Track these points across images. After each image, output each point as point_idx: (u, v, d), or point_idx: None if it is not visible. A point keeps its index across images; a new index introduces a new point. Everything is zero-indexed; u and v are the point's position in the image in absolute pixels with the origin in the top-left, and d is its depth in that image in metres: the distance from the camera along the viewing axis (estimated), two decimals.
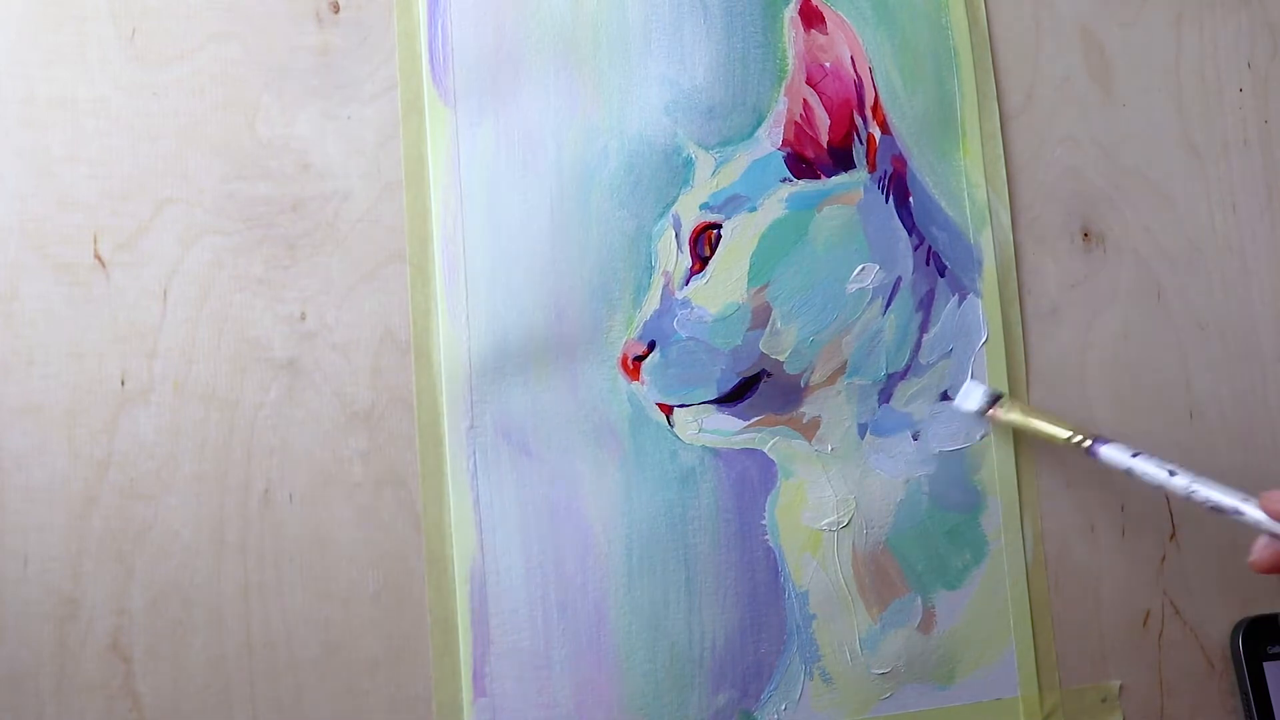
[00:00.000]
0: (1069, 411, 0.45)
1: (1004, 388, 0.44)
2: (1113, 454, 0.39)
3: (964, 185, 0.45)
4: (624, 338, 0.40)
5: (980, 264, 0.44)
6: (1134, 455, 0.38)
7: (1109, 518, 0.45)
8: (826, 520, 0.41)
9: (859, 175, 0.43)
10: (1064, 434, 0.40)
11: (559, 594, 0.38)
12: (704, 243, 0.41)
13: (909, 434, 0.43)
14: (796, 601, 0.40)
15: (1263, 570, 0.35)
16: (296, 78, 0.38)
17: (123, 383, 0.36)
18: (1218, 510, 0.36)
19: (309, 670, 0.36)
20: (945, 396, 0.43)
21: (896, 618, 0.41)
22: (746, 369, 0.41)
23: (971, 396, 0.42)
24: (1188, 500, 0.37)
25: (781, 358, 0.41)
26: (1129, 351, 0.46)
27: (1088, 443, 0.39)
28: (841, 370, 0.42)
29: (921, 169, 0.44)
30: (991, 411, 0.42)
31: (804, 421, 0.41)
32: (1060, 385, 0.45)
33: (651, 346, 0.40)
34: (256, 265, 0.37)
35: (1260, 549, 0.35)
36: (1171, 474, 0.37)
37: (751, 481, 0.41)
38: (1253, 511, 0.35)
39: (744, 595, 0.40)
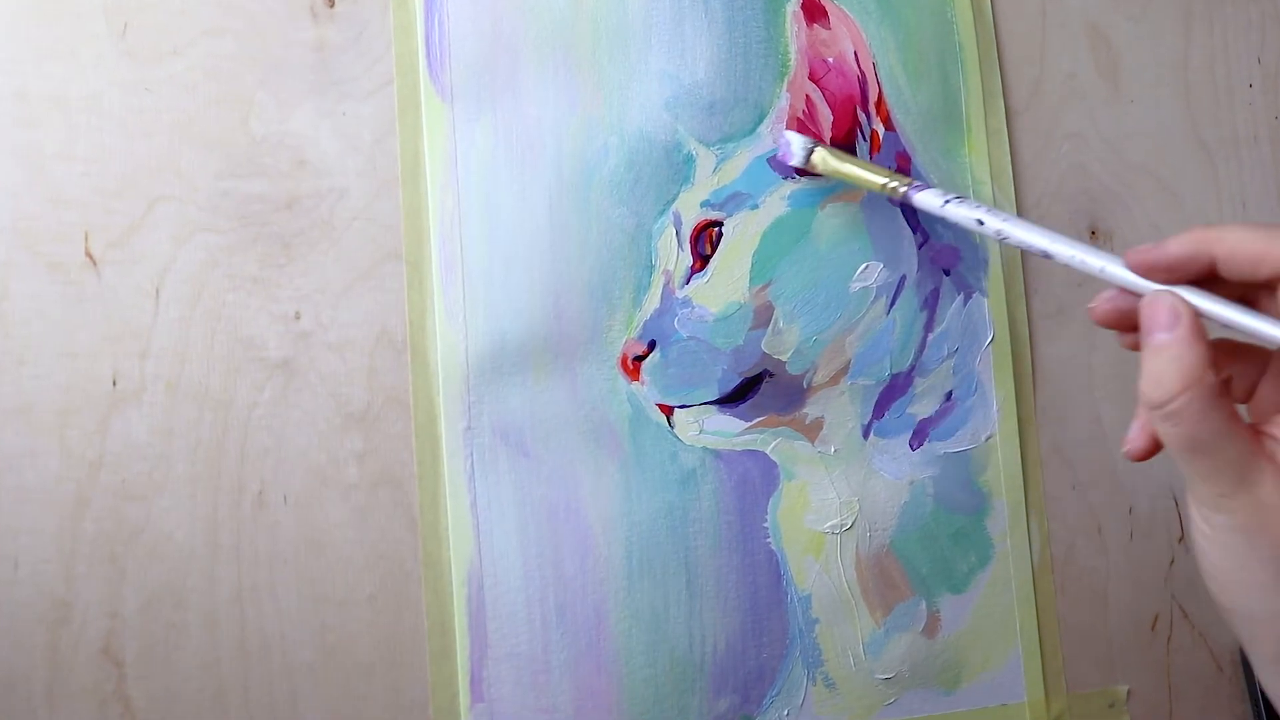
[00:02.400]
0: (1076, 412, 0.45)
1: (1009, 387, 0.43)
2: (927, 199, 0.36)
3: (969, 182, 0.44)
4: (624, 337, 0.39)
5: (986, 262, 0.44)
6: (945, 202, 0.36)
7: (1116, 520, 0.45)
8: (829, 523, 0.41)
9: None
10: (880, 180, 0.38)
11: (558, 597, 0.37)
12: (705, 241, 0.40)
13: (913, 435, 0.42)
14: (799, 605, 0.40)
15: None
16: (291, 74, 0.38)
17: (115, 383, 0.35)
18: (1030, 251, 0.33)
19: (304, 674, 0.35)
20: (949, 397, 0.43)
21: (901, 622, 0.41)
22: (748, 369, 0.40)
23: (792, 149, 0.40)
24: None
25: (784, 358, 0.41)
26: (1136, 352, 0.46)
27: (903, 189, 0.37)
28: (845, 370, 0.41)
29: (926, 165, 0.43)
30: (810, 160, 0.40)
31: (806, 422, 0.41)
32: (1067, 385, 0.45)
33: (652, 346, 0.39)
34: (250, 264, 0.37)
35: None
36: (980, 222, 0.35)
37: (753, 483, 0.40)
38: (1065, 250, 0.32)
39: (745, 599, 0.39)
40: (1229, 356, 0.32)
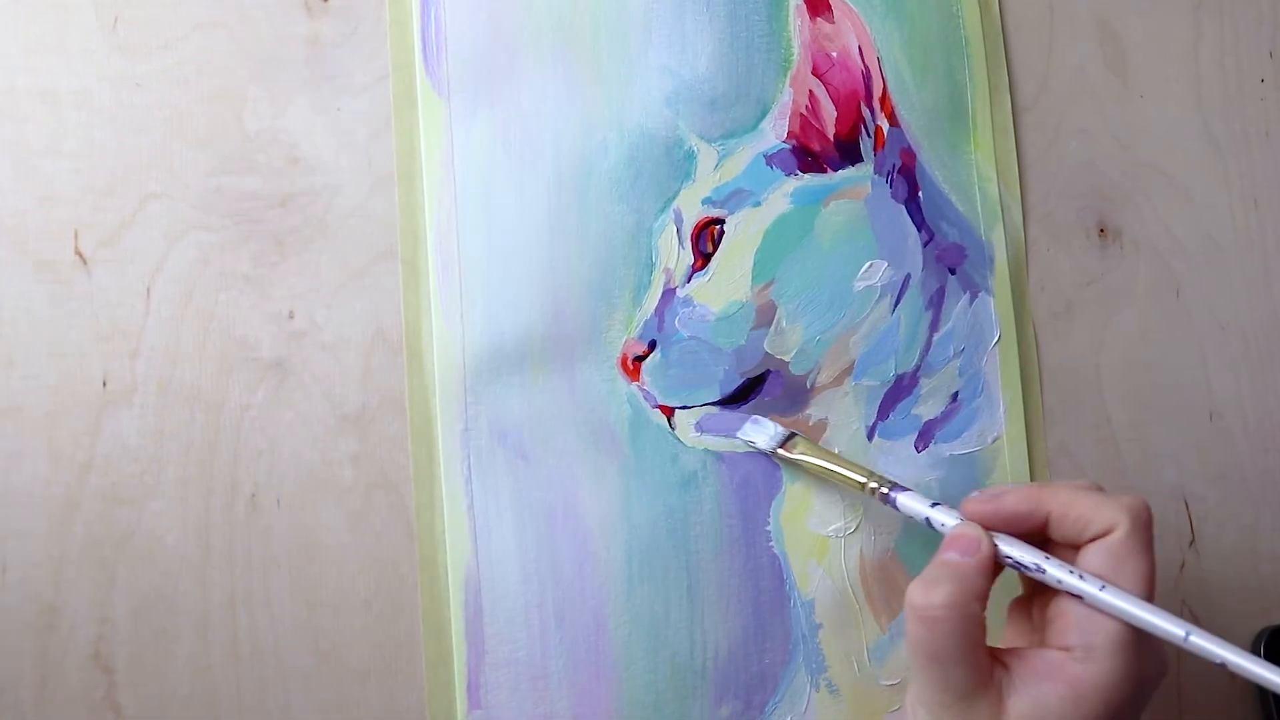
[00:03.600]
0: (1084, 413, 0.44)
1: (1016, 388, 0.43)
2: (910, 503, 0.35)
3: (975, 179, 0.43)
4: (623, 337, 0.38)
5: (992, 261, 0.43)
6: (933, 505, 0.35)
7: None
8: (833, 526, 0.40)
9: (866, 169, 0.42)
10: (859, 479, 0.37)
11: (556, 602, 0.37)
12: (706, 239, 0.40)
13: (918, 436, 0.41)
14: (802, 610, 0.39)
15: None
16: (285, 69, 0.37)
17: (105, 384, 0.34)
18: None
19: (298, 680, 0.35)
20: (955, 398, 0.42)
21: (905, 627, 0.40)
22: (750, 369, 0.40)
23: (762, 433, 0.39)
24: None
25: (787, 358, 0.40)
26: (1146, 352, 0.45)
27: (884, 489, 0.36)
28: (849, 371, 0.41)
29: (931, 163, 0.43)
30: (781, 450, 0.38)
31: (810, 424, 0.40)
32: (1075, 386, 0.44)
33: (652, 346, 0.39)
34: (243, 262, 0.36)
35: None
36: (929, 522, 0.34)
37: (755, 486, 0.39)
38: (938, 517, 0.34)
39: (748, 604, 0.39)
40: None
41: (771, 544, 0.39)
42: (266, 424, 0.35)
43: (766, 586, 0.39)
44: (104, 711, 0.33)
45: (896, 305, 0.42)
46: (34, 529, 0.34)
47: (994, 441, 0.42)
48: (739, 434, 0.39)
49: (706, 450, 0.39)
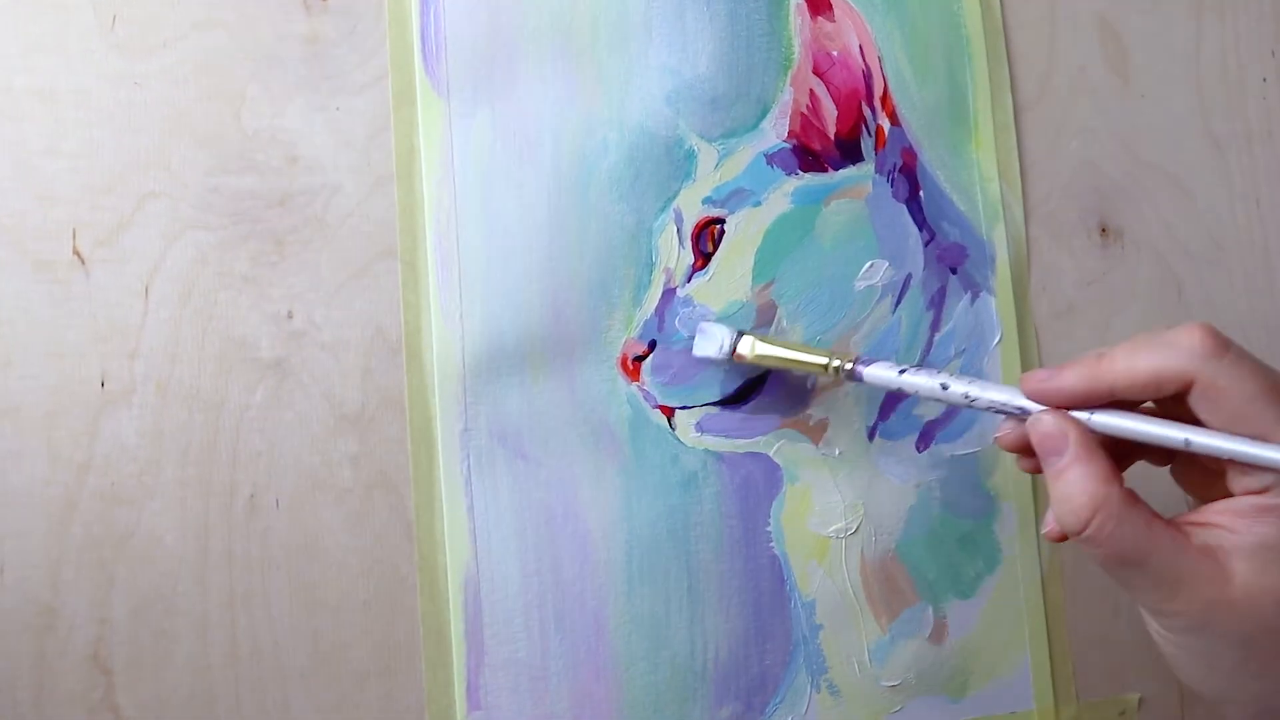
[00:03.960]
0: None
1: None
2: (879, 373, 0.34)
3: (976, 179, 0.43)
4: (623, 337, 0.38)
5: (993, 261, 0.43)
6: (901, 371, 0.34)
7: None
8: (834, 527, 0.40)
9: (867, 168, 0.41)
10: (822, 360, 0.36)
11: (556, 603, 0.37)
12: (707, 238, 0.40)
13: (919, 437, 0.41)
14: (803, 611, 0.39)
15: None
16: (284, 67, 0.37)
17: (103, 384, 0.34)
18: (1002, 411, 0.32)
19: (297, 682, 0.35)
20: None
21: (907, 628, 0.40)
22: (750, 370, 0.40)
23: (712, 340, 0.37)
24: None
25: None
26: None
27: (849, 365, 0.35)
28: None
29: (932, 162, 0.42)
30: (738, 351, 0.37)
31: (810, 424, 0.40)
32: None
33: (652, 346, 0.39)
34: (242, 262, 0.36)
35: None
36: (944, 386, 0.33)
37: (756, 486, 0.39)
38: (1033, 404, 0.31)
39: (748, 604, 0.38)
40: (1140, 452, 0.31)
41: (772, 544, 0.39)
42: (265, 424, 0.35)
43: (767, 587, 0.39)
44: (103, 712, 0.33)
45: (897, 305, 0.41)
46: (32, 529, 0.33)
47: (995, 442, 0.42)
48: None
49: (707, 450, 0.39)
